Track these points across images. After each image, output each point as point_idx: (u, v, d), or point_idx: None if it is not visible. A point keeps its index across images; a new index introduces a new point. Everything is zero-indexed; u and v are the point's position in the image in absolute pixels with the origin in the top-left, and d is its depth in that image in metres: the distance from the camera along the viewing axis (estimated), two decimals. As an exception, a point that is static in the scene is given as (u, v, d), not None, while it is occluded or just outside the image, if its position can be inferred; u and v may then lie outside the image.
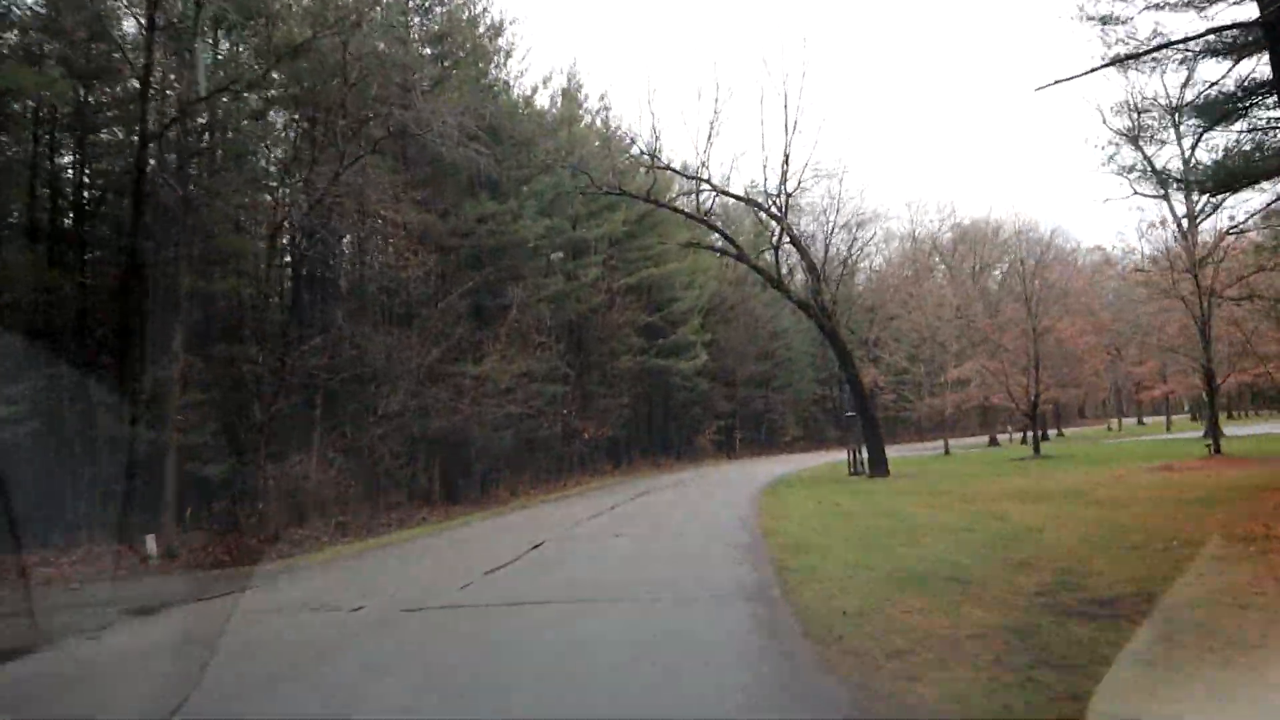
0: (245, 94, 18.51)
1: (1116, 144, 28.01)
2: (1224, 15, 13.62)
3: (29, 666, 6.68)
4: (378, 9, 20.90)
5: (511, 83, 29.30)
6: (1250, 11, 12.88)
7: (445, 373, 22.55)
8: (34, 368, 14.64)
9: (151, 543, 13.38)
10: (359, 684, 5.37)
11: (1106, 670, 4.41)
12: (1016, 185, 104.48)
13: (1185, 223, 28.01)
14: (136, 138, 16.06)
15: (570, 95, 34.02)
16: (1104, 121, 35.92)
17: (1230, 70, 14.09)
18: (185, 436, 15.97)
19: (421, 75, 22.55)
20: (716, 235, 29.83)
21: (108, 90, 18.54)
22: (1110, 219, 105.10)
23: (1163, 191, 27.37)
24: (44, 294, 16.54)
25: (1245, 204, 35.49)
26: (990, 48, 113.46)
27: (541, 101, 31.85)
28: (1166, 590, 6.35)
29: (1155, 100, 26.33)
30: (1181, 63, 15.66)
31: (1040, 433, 44.13)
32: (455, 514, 21.27)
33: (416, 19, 25.46)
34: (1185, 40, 13.73)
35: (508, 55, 28.25)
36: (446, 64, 24.97)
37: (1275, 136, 15.13)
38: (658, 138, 54.45)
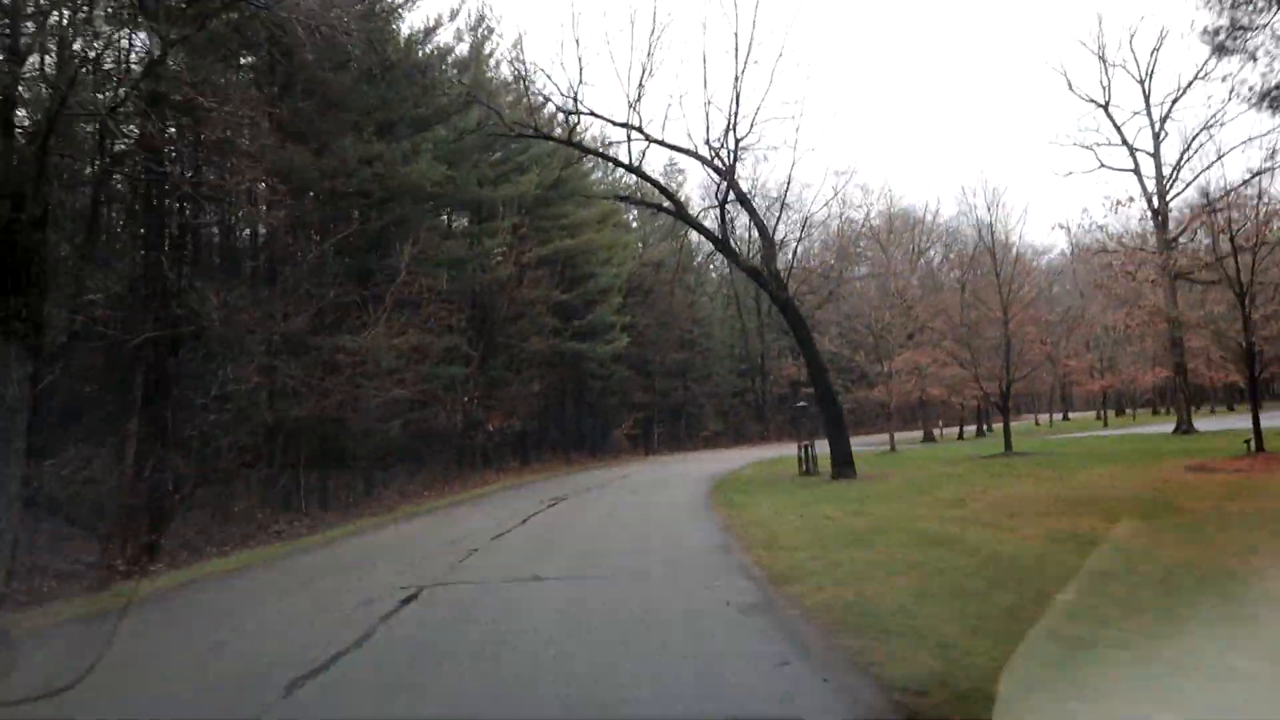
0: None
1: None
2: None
3: None
4: None
5: (404, 10, 24.41)
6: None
7: (313, 344, 17.73)
8: None
9: None
10: None
11: None
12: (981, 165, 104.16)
13: (1156, 200, 25.90)
14: None
15: (479, 36, 29.23)
16: (1070, 88, 34.14)
17: None
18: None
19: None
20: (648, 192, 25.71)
21: None
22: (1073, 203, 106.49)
23: (1133, 164, 25.26)
24: None
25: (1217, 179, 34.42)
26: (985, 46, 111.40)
27: (445, 38, 27.05)
28: None
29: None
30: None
31: (984, 426, 42.45)
32: (322, 525, 16.65)
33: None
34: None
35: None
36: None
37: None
38: (581, 75, 49.42)
